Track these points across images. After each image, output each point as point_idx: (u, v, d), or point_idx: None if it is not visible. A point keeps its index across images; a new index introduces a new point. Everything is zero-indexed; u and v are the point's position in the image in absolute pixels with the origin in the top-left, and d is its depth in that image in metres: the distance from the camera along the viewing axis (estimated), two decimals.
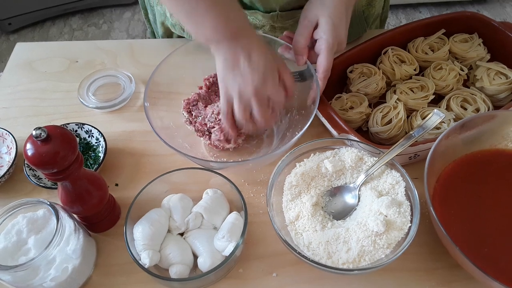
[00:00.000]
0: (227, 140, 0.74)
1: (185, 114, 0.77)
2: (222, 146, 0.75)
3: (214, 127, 0.74)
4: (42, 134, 0.53)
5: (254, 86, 0.64)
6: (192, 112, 0.77)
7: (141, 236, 0.62)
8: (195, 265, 0.64)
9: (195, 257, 0.65)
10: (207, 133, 0.76)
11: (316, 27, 0.72)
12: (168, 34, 1.02)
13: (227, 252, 0.62)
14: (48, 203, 0.60)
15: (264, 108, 0.66)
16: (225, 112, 0.69)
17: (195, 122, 0.76)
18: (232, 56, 0.65)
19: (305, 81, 0.77)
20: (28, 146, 0.55)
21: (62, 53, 1.01)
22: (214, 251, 0.63)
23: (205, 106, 0.77)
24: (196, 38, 0.67)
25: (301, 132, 0.68)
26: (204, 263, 0.62)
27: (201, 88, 0.79)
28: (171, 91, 0.78)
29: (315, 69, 0.73)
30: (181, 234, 0.67)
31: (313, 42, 0.74)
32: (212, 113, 0.74)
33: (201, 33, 0.66)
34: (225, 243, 0.63)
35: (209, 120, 0.75)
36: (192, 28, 0.67)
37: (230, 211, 0.68)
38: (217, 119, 0.74)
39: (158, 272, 0.63)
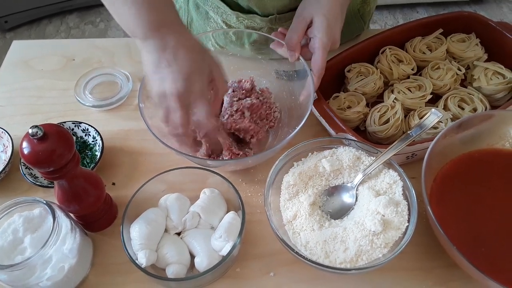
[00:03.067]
0: (210, 155, 0.75)
1: None
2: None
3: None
4: (39, 133, 0.53)
5: (175, 89, 0.58)
6: None
7: (138, 236, 0.62)
8: (192, 265, 0.64)
9: (192, 257, 0.65)
10: None
11: (310, 25, 0.72)
12: None
13: (224, 252, 0.62)
14: (45, 202, 0.60)
15: (184, 113, 0.59)
16: (161, 116, 0.62)
17: None
18: (158, 55, 0.58)
19: (301, 79, 0.77)
20: (25, 144, 0.54)
21: (59, 51, 1.00)
22: (211, 251, 0.63)
23: None
24: (123, 27, 0.61)
25: (297, 129, 0.68)
26: (201, 263, 0.62)
27: None
28: None
29: (309, 67, 0.73)
30: (178, 234, 0.67)
31: (307, 40, 0.74)
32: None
33: (125, 24, 0.60)
34: (222, 243, 0.62)
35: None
36: (117, 18, 0.60)
37: (228, 211, 0.68)
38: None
39: (155, 271, 0.63)
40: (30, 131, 0.53)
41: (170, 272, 0.62)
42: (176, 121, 0.60)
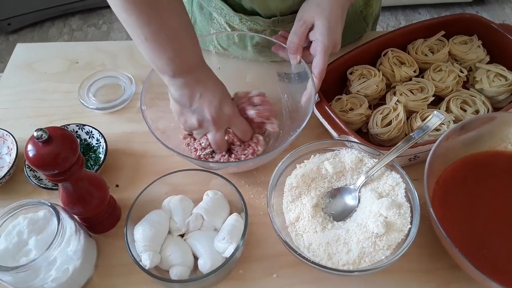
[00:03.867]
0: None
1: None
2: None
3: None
4: (44, 135, 0.53)
5: (211, 116, 0.68)
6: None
7: (141, 238, 0.63)
8: (195, 266, 0.64)
9: (196, 258, 0.65)
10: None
11: (311, 28, 0.73)
12: None
13: (228, 253, 0.62)
14: (49, 204, 0.60)
15: (222, 133, 0.71)
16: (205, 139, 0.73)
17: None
18: (189, 91, 0.67)
19: (302, 82, 0.77)
20: (29, 147, 0.55)
21: (62, 54, 1.01)
22: (215, 253, 0.64)
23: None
24: (150, 63, 0.67)
25: (298, 131, 0.69)
26: (205, 265, 0.62)
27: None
28: None
29: (310, 70, 0.74)
30: (182, 236, 0.67)
31: (308, 43, 0.75)
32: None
33: (152, 60, 0.65)
34: (225, 245, 0.63)
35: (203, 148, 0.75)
36: (146, 53, 0.65)
37: (231, 213, 0.68)
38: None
39: (159, 273, 0.63)
40: (35, 134, 0.53)
41: (174, 273, 0.62)
42: (218, 140, 0.71)
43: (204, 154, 0.74)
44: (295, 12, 0.77)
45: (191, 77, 0.66)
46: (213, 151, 0.74)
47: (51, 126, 0.57)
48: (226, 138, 0.72)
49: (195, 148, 0.75)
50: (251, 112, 0.73)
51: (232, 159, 0.73)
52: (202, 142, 0.73)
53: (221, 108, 0.68)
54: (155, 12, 0.60)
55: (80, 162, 0.59)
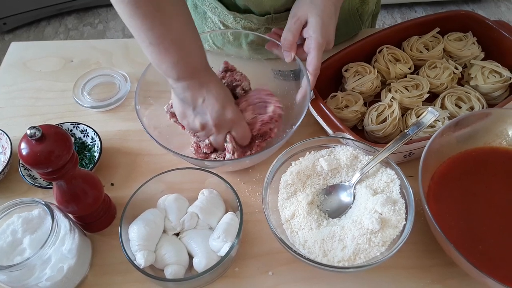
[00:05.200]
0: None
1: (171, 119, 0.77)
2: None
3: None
4: (37, 133, 0.53)
5: (214, 120, 0.68)
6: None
7: (136, 237, 0.62)
8: (190, 265, 0.64)
9: (191, 257, 0.65)
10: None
11: (305, 25, 0.73)
12: None
13: (223, 252, 0.62)
14: (43, 202, 0.60)
15: (224, 137, 0.71)
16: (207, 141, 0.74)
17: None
18: (192, 95, 0.67)
19: (297, 79, 0.77)
20: (23, 145, 0.54)
21: (57, 53, 1.00)
22: (210, 252, 0.63)
23: None
24: (155, 67, 0.67)
25: (294, 128, 0.69)
26: (200, 264, 0.62)
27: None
28: (165, 90, 0.77)
29: (305, 67, 0.74)
30: (177, 235, 0.67)
31: (301, 40, 0.74)
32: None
33: (157, 63, 0.66)
34: (220, 244, 0.63)
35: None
36: (153, 59, 0.66)
37: (226, 211, 0.68)
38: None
39: (154, 272, 0.63)
40: (28, 132, 0.53)
41: (169, 272, 0.62)
42: (219, 143, 0.72)
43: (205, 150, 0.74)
44: (288, 9, 0.77)
45: (195, 80, 0.67)
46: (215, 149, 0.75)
47: (45, 124, 0.57)
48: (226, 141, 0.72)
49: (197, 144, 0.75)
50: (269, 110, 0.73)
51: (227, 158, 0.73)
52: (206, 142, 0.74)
53: (223, 113, 0.68)
54: (159, 17, 0.60)
55: (74, 160, 0.59)
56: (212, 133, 0.71)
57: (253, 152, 0.74)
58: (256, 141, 0.75)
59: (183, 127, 0.76)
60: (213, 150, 0.75)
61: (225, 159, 0.72)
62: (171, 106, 0.75)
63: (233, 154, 0.71)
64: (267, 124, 0.74)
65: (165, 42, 0.62)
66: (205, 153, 0.75)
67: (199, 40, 0.67)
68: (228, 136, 0.71)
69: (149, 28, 0.61)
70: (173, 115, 0.75)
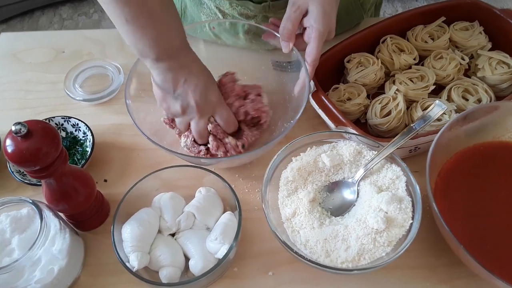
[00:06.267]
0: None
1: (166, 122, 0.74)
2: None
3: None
4: (22, 130, 0.50)
5: (196, 102, 0.65)
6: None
7: (129, 237, 0.60)
8: (186, 267, 0.62)
9: (187, 259, 0.62)
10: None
11: (305, 14, 0.70)
12: None
13: (220, 254, 0.59)
14: (31, 201, 0.57)
15: (206, 121, 0.68)
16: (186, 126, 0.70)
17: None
18: (173, 76, 0.64)
19: (296, 71, 0.74)
20: (8, 142, 0.52)
21: (48, 43, 0.97)
22: (207, 254, 0.61)
23: None
24: (132, 47, 0.63)
25: (292, 123, 0.66)
26: (196, 266, 0.59)
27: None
28: None
29: (303, 58, 0.71)
30: (172, 235, 0.64)
31: (301, 29, 0.72)
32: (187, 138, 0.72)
33: (133, 44, 0.62)
34: (218, 245, 0.60)
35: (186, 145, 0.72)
36: (129, 38, 0.62)
37: (224, 210, 0.65)
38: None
39: (148, 274, 0.61)
40: (13, 128, 0.50)
41: (164, 275, 0.59)
42: (201, 129, 0.68)
43: (188, 145, 0.71)
44: None
45: (175, 61, 0.63)
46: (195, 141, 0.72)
47: (31, 119, 0.54)
48: (209, 128, 0.69)
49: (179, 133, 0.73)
50: (248, 107, 0.71)
51: (221, 154, 0.70)
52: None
53: (206, 94, 0.66)
54: None
55: (63, 157, 0.56)
56: (193, 117, 0.67)
57: (244, 140, 0.71)
58: (245, 131, 0.72)
59: (180, 133, 0.73)
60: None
61: (210, 150, 0.70)
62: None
63: (215, 142, 0.69)
64: (256, 111, 0.71)
65: (142, 19, 0.59)
66: (198, 145, 0.72)
67: (178, 17, 0.63)
68: (211, 121, 0.68)
69: (124, 4, 0.57)
70: (170, 120, 0.73)
